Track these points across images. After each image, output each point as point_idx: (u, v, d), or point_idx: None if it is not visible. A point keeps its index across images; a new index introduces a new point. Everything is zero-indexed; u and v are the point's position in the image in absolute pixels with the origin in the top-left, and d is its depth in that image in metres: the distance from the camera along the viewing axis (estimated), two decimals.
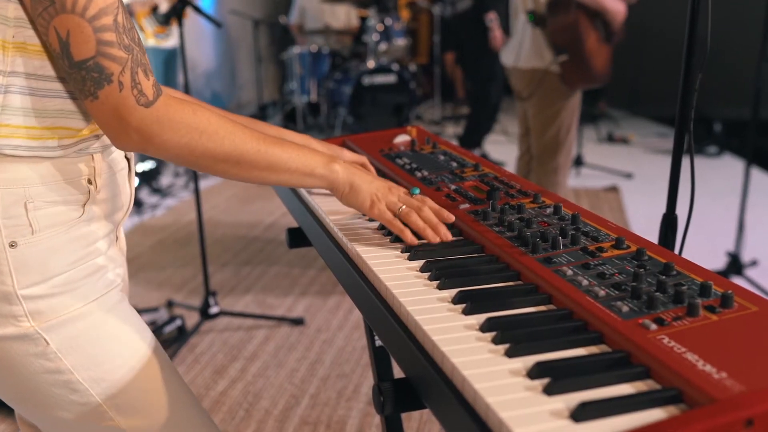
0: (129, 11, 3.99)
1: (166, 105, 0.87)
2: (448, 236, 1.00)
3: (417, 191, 1.08)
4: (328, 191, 1.06)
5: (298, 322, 2.70)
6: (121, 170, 1.02)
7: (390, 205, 1.02)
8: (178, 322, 2.59)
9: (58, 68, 0.86)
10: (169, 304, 2.84)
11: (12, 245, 0.86)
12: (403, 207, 1.01)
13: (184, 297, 2.95)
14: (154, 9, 4.14)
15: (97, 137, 0.93)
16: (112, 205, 0.99)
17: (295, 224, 1.33)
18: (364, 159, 1.28)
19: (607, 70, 2.87)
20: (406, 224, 1.01)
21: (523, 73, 2.88)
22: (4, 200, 0.85)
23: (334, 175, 1.02)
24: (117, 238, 1.04)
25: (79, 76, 0.82)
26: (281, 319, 2.73)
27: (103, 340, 0.93)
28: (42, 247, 0.88)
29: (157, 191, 4.49)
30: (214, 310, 2.70)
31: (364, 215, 1.13)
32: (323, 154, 1.03)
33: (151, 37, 4.23)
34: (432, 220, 1.01)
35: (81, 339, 0.91)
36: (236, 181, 0.98)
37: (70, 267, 0.90)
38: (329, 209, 1.15)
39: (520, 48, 2.88)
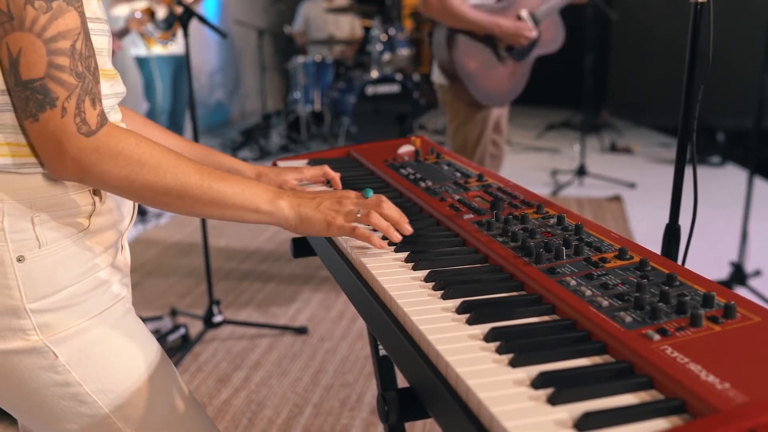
0: (125, 28, 4.02)
1: (107, 135, 0.85)
2: (409, 230, 1.01)
3: (370, 193, 1.05)
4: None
5: (301, 331, 2.71)
6: None
7: (347, 216, 0.99)
8: (181, 331, 2.59)
9: (5, 83, 0.84)
10: (173, 313, 2.85)
11: (19, 259, 0.85)
12: (361, 211, 0.99)
13: (188, 306, 2.96)
14: (152, 14, 4.16)
15: None
16: (117, 215, 0.99)
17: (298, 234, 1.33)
18: (323, 169, 1.29)
19: (508, 89, 2.72)
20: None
21: (435, 85, 2.88)
22: (10, 215, 0.85)
23: (280, 211, 0.98)
24: (122, 247, 1.05)
25: (23, 95, 0.81)
26: (284, 328, 2.73)
27: (111, 352, 0.93)
28: (49, 261, 0.88)
29: None
30: (217, 318, 2.71)
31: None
32: (270, 189, 1.00)
33: (155, 45, 4.25)
34: (393, 216, 1.01)
35: (89, 351, 0.91)
36: (181, 214, 0.98)
37: (77, 279, 0.90)
38: None
39: (434, 64, 2.87)
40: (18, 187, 0.86)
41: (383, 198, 1.03)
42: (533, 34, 2.63)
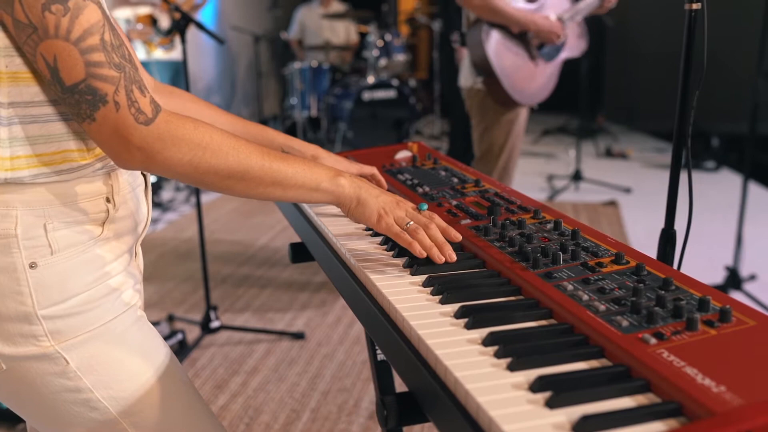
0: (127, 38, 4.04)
1: (166, 122, 0.85)
2: (453, 257, 0.98)
3: (425, 207, 1.06)
4: (332, 206, 1.05)
5: (298, 336, 2.71)
6: (138, 186, 1.02)
7: (398, 219, 1.01)
8: (179, 337, 2.59)
9: (51, 93, 0.85)
10: (170, 319, 2.85)
11: (32, 266, 0.86)
12: (411, 222, 1.00)
13: (185, 311, 2.96)
14: (155, 22, 4.17)
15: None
16: (131, 223, 0.99)
17: (296, 238, 1.34)
18: (373, 170, 1.27)
19: (539, 87, 2.80)
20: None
21: (463, 91, 2.91)
22: (23, 222, 0.85)
23: (340, 189, 1.00)
24: (135, 254, 1.05)
25: (73, 100, 0.81)
26: (282, 334, 2.73)
27: (122, 359, 0.93)
28: (61, 267, 0.88)
29: (158, 205, 4.50)
30: (214, 324, 2.71)
31: (367, 230, 1.14)
32: (329, 168, 1.01)
33: (155, 49, 4.26)
34: (438, 238, 0.99)
35: (100, 358, 0.91)
36: (243, 197, 0.98)
37: (89, 286, 0.90)
38: (332, 224, 1.16)
39: (462, 68, 2.92)
40: (30, 195, 0.86)
41: (435, 217, 1.03)
42: (564, 33, 2.74)
